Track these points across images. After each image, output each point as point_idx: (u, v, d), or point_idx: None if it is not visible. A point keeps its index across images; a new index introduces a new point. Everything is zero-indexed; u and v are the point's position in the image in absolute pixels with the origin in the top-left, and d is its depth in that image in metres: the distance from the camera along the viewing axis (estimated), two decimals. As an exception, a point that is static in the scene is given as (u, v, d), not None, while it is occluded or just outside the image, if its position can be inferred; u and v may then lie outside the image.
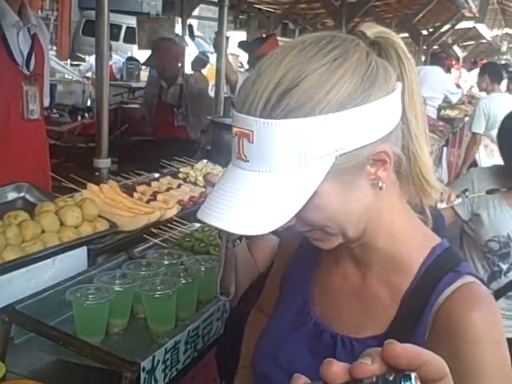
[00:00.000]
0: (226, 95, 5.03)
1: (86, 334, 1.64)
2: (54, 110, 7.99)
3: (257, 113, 0.87)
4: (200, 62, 8.54)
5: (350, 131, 0.88)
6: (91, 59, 10.34)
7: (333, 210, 0.94)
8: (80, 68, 11.73)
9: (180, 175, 3.15)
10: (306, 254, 1.16)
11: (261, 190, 0.89)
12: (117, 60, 11.68)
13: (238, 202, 0.90)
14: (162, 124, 5.07)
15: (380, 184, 0.95)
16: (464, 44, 17.38)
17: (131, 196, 2.62)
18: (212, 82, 6.00)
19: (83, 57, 12.91)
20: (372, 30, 0.97)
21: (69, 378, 1.55)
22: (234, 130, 0.91)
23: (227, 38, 4.82)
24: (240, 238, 1.52)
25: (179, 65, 5.38)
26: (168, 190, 2.84)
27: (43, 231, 1.94)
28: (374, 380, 0.52)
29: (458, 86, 9.55)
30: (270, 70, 0.90)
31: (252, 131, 0.88)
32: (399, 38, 0.98)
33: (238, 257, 1.54)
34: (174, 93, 5.14)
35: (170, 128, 5.03)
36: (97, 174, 3.00)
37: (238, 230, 0.89)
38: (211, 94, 5.45)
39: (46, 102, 3.06)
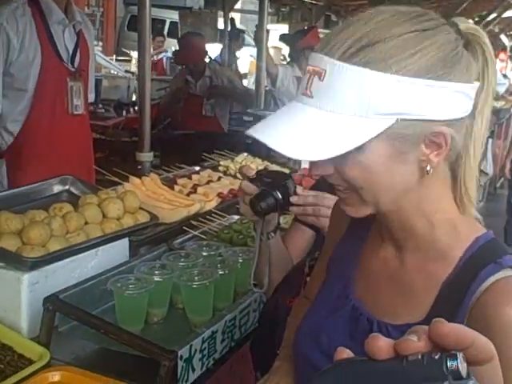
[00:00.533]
0: (267, 88, 5.05)
1: (126, 323, 1.68)
2: (100, 105, 8.12)
3: (335, 55, 0.91)
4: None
5: (419, 101, 0.90)
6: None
7: (374, 173, 0.95)
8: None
9: (220, 168, 3.18)
10: (350, 240, 1.18)
11: (316, 124, 0.92)
12: (164, 55, 11.81)
13: (290, 128, 0.93)
14: (190, 116, 5.11)
15: (428, 168, 0.94)
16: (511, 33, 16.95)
17: (172, 189, 2.66)
18: (253, 76, 6.01)
19: (128, 52, 13.07)
20: (465, 24, 0.97)
21: (110, 365, 1.59)
22: (308, 67, 0.94)
23: (268, 31, 4.83)
24: (274, 230, 1.55)
25: (205, 59, 5.40)
26: (208, 182, 2.87)
27: (86, 223, 1.99)
28: (419, 358, 0.52)
29: (505, 76, 9.34)
30: (359, 24, 0.94)
31: (325, 70, 0.91)
32: (488, 40, 0.98)
33: (272, 249, 1.56)
34: (202, 84, 5.18)
35: (202, 120, 5.07)
36: (139, 167, 3.06)
37: (286, 151, 0.91)
38: (252, 87, 5.46)
39: (91, 98, 3.13)
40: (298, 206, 1.63)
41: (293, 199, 1.48)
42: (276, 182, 1.47)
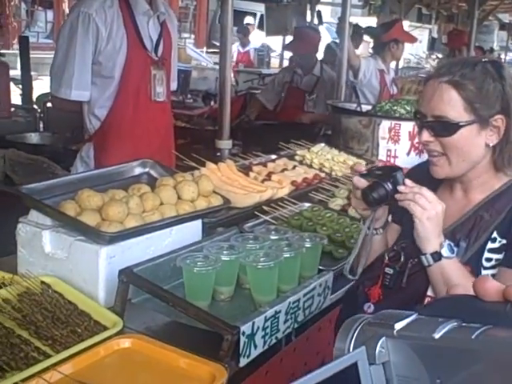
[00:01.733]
0: (351, 80, 5.03)
1: (194, 298, 1.76)
2: (189, 96, 8.34)
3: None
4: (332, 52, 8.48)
5: None
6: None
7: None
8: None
9: (296, 157, 3.22)
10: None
11: None
12: (252, 47, 11.95)
13: None
14: (291, 108, 5.17)
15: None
16: None
17: (247, 175, 2.73)
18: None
19: (218, 44, 13.28)
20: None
21: (177, 337, 1.67)
22: None
23: (350, 23, 4.81)
24: (383, 226, 1.70)
25: (316, 54, 5.45)
26: (283, 170, 2.92)
27: (162, 203, 2.08)
28: None
29: None
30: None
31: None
32: None
33: (375, 243, 1.71)
34: (308, 80, 5.23)
35: (297, 112, 5.13)
36: (218, 154, 3.15)
37: None
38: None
39: (174, 86, 3.24)
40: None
41: (400, 188, 1.58)
42: (386, 174, 1.59)
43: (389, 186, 1.57)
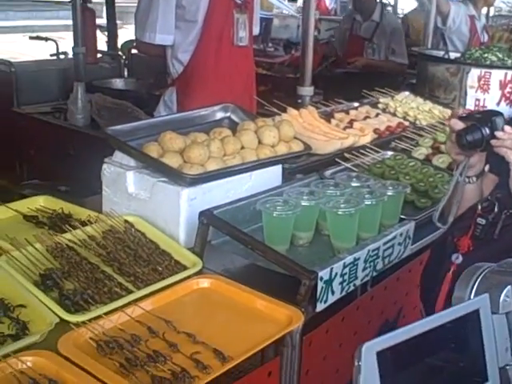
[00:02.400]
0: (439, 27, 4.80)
1: (273, 242, 1.74)
2: (270, 44, 8.22)
3: None
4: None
5: None
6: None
7: None
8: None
9: (379, 105, 3.12)
10: None
11: None
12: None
13: None
14: (351, 56, 5.03)
15: None
16: None
17: (329, 122, 2.67)
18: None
19: (300, -8, 12.99)
20: None
21: (255, 279, 1.67)
22: None
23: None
24: (477, 176, 1.63)
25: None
26: (365, 118, 2.84)
27: (242, 147, 2.06)
28: None
29: None
30: None
31: None
32: None
33: (468, 192, 1.64)
34: (367, 27, 5.05)
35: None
36: (299, 101, 3.08)
37: None
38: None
39: (256, 31, 3.18)
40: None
41: (498, 134, 1.50)
42: (485, 118, 1.51)
43: (486, 130, 1.49)
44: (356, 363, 0.68)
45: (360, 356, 0.68)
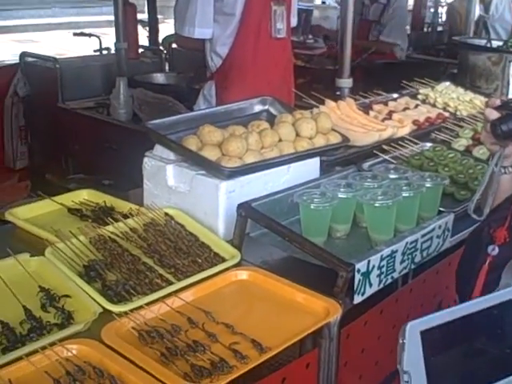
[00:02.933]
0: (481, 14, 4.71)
1: (310, 234, 1.75)
2: (310, 36, 8.16)
3: None
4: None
5: None
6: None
7: None
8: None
9: (419, 96, 3.08)
10: None
11: None
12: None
13: None
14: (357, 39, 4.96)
15: None
16: None
17: (367, 114, 2.65)
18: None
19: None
20: None
21: (293, 271, 1.67)
22: None
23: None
24: None
25: None
26: (404, 109, 2.80)
27: (280, 140, 2.07)
28: None
29: None
30: None
31: None
32: None
33: (504, 183, 1.60)
34: (375, 10, 5.05)
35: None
36: (337, 93, 3.07)
37: None
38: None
39: (294, 22, 3.17)
40: None
41: None
42: None
43: None
44: (400, 341, 0.69)
45: (404, 334, 0.69)
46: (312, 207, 1.73)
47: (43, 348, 1.29)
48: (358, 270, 1.57)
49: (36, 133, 4.38)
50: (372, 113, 2.70)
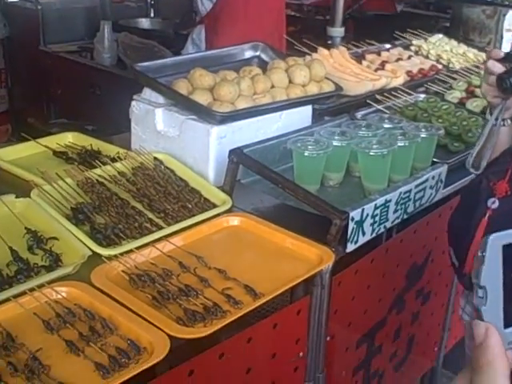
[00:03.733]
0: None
1: (303, 182, 1.72)
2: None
3: None
4: None
5: None
6: None
7: None
8: None
9: (412, 48, 3.03)
10: None
11: None
12: None
13: None
14: None
15: None
16: None
17: (359, 63, 2.60)
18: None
19: None
20: None
21: (285, 219, 1.65)
22: None
23: None
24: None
25: None
26: (397, 60, 2.76)
27: (273, 86, 2.02)
28: None
29: None
30: None
31: None
32: None
33: (503, 135, 1.57)
34: None
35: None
36: (329, 42, 3.02)
37: None
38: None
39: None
40: None
41: None
42: None
43: None
44: (480, 254, 0.66)
45: (485, 247, 0.66)
46: (306, 154, 1.70)
47: (31, 290, 1.26)
48: (352, 219, 1.55)
49: (16, 76, 4.27)
50: (365, 62, 2.65)
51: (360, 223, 1.59)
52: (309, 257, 1.48)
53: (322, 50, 2.53)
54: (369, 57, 2.72)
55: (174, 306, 1.27)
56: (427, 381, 2.59)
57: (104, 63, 3.69)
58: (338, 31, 3.00)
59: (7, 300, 1.24)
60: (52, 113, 3.91)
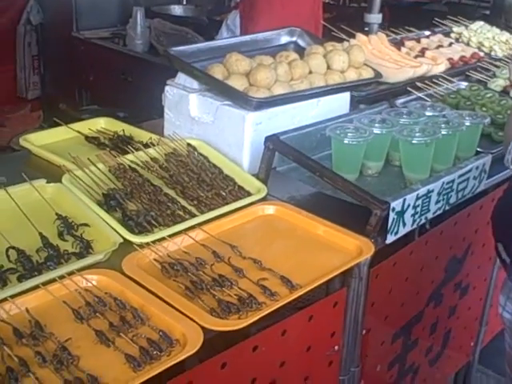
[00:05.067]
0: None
1: (342, 170, 1.65)
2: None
3: None
4: None
5: None
6: None
7: None
8: None
9: (452, 35, 2.92)
10: None
11: None
12: None
13: None
14: None
15: None
16: None
17: (399, 50, 2.51)
18: None
19: None
20: None
21: (322, 208, 1.58)
22: None
23: None
24: None
25: None
26: (438, 47, 2.66)
27: (310, 72, 1.95)
28: None
29: None
30: None
31: None
32: None
33: None
34: None
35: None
36: (366, 29, 2.92)
37: None
38: None
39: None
40: None
41: None
42: None
43: None
44: None
45: None
46: (345, 142, 1.63)
47: (61, 277, 1.22)
48: (393, 209, 1.48)
49: (49, 62, 4.27)
50: (404, 49, 2.56)
51: (401, 214, 1.52)
52: (347, 248, 1.42)
53: (360, 36, 2.45)
54: (408, 43, 2.63)
55: (207, 296, 1.22)
56: (462, 376, 2.52)
57: (136, 50, 3.66)
58: (375, 17, 2.90)
59: (36, 287, 1.20)
60: (84, 99, 3.90)
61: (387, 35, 2.68)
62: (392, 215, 1.48)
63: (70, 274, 1.24)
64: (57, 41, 4.07)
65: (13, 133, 3.10)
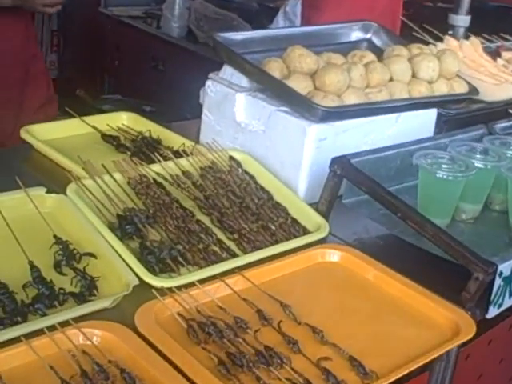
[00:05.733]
0: None
1: (429, 212, 1.40)
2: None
3: None
4: None
5: None
6: None
7: None
8: None
9: (557, 48, 2.66)
10: None
11: None
12: None
13: None
14: None
15: None
16: None
17: (494, 61, 2.26)
18: None
19: None
20: None
21: (399, 258, 1.35)
22: None
23: None
24: None
25: None
26: (541, 62, 2.40)
27: (391, 79, 1.72)
28: None
29: None
30: None
31: None
32: None
33: None
34: None
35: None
36: (450, 32, 2.70)
37: None
38: None
39: None
40: None
41: None
42: None
43: None
44: None
45: None
46: (439, 176, 1.39)
47: (51, 328, 1.00)
48: (501, 273, 1.23)
49: (70, 40, 4.21)
50: (500, 61, 2.31)
51: (509, 281, 1.26)
52: (438, 321, 1.17)
53: (450, 40, 2.22)
54: (505, 54, 2.37)
55: (247, 377, 0.99)
56: None
57: (172, 34, 3.54)
58: (463, 20, 2.66)
59: (17, 339, 0.98)
60: (105, 87, 3.85)
61: (480, 42, 2.44)
62: (498, 281, 1.24)
63: (64, 324, 1.02)
64: (81, 16, 3.99)
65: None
